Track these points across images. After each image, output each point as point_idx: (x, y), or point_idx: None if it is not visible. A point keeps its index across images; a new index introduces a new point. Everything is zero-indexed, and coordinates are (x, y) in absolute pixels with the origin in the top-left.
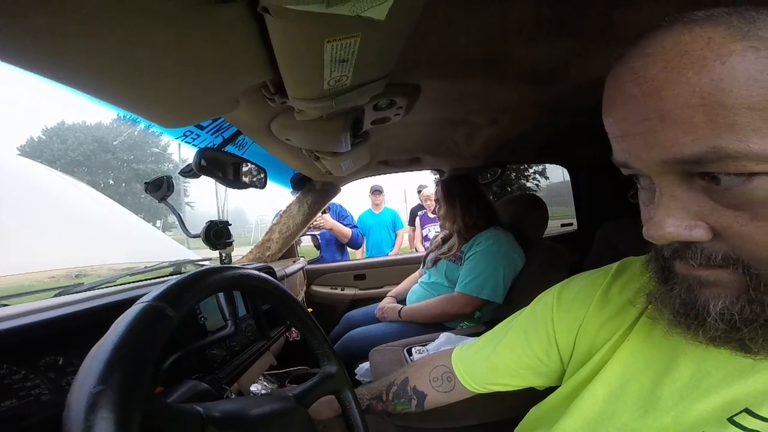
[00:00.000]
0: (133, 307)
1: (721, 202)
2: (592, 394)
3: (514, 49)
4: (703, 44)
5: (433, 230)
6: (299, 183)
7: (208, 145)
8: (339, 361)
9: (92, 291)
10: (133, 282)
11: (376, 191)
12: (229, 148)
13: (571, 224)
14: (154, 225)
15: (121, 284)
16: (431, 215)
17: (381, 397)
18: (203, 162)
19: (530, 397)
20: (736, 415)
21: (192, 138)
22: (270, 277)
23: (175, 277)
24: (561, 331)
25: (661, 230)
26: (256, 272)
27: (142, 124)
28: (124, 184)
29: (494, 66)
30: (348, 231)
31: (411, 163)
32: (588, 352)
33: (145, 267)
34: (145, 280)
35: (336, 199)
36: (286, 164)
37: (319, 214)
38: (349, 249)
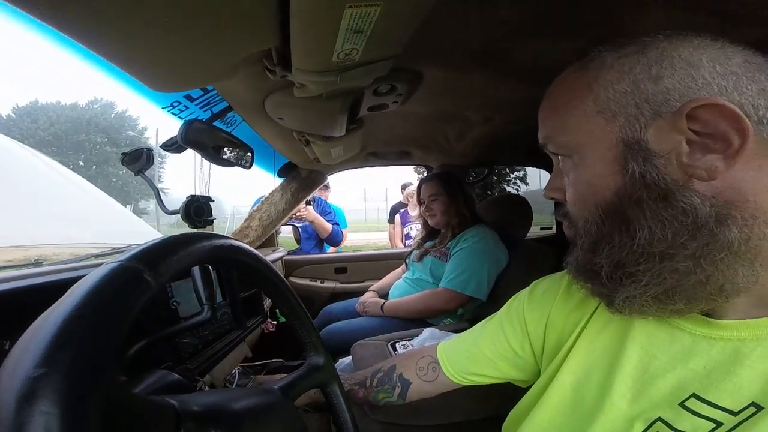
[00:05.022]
0: (100, 267)
1: (565, 176)
2: (561, 383)
3: (518, 46)
4: (564, 84)
5: (415, 228)
6: (284, 170)
7: (196, 118)
8: (326, 352)
9: (45, 267)
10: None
11: (324, 186)
12: (217, 124)
13: (550, 228)
14: None
15: (83, 267)
16: (413, 213)
17: (364, 383)
18: (190, 134)
19: (514, 395)
20: (687, 400)
21: (179, 110)
22: (262, 255)
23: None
24: (531, 323)
25: (544, 191)
26: (249, 247)
27: (119, 108)
28: (94, 167)
29: (498, 61)
30: (329, 226)
31: (401, 156)
32: (557, 344)
33: (112, 249)
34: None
35: None
36: (274, 147)
37: (303, 204)
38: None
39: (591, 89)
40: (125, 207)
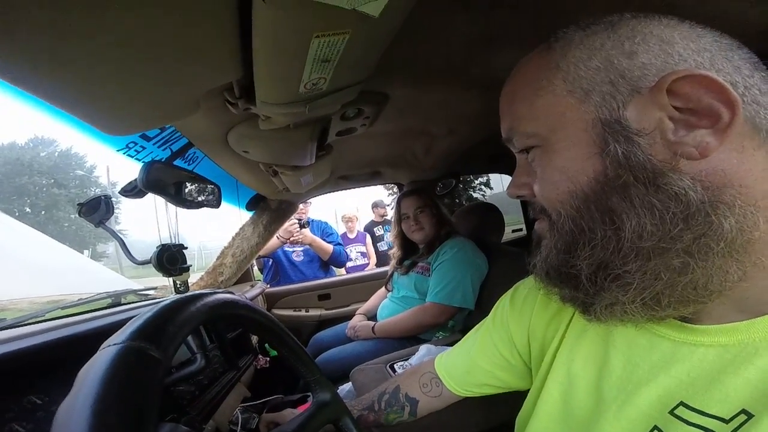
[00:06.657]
0: (103, 351)
1: (533, 170)
2: (551, 393)
3: (478, 59)
4: (528, 67)
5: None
6: (253, 203)
7: (156, 159)
8: (332, 387)
9: (16, 329)
10: (66, 316)
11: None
12: (178, 163)
13: (521, 230)
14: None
15: (51, 318)
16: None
17: (372, 407)
18: (152, 177)
19: (521, 400)
20: (675, 408)
21: (136, 151)
22: (252, 303)
23: (129, 307)
24: (515, 332)
25: (508, 190)
26: (239, 297)
27: (63, 146)
28: (43, 212)
29: (459, 74)
30: (329, 247)
31: (371, 176)
32: (540, 352)
33: (79, 299)
34: (81, 313)
35: None
36: (240, 180)
37: (297, 228)
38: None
39: (559, 68)
40: (82, 253)
